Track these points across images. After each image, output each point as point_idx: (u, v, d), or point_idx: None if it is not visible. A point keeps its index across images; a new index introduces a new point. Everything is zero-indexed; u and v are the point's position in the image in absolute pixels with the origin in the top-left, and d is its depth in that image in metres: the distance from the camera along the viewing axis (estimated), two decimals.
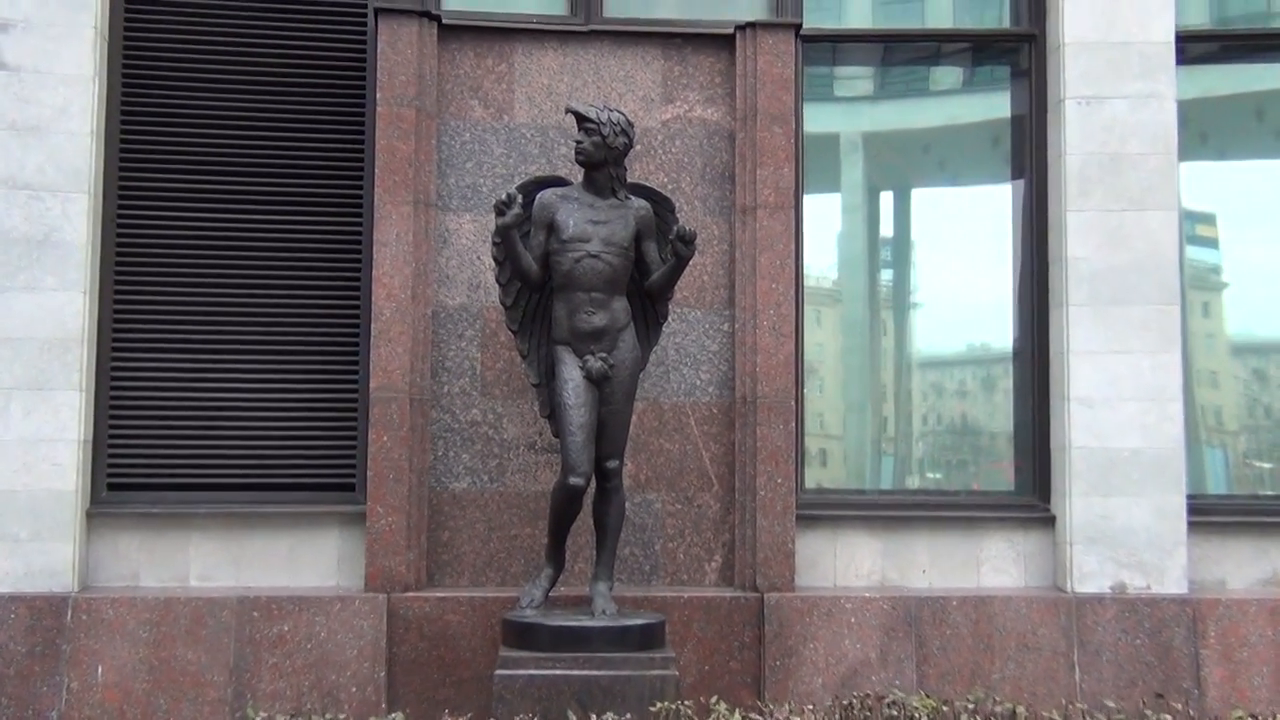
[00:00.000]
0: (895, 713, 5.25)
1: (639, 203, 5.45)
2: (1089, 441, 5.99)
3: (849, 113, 6.84)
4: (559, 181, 5.58)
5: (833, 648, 5.84)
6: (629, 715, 4.81)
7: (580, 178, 5.52)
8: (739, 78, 6.17)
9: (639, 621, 5.21)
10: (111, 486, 5.94)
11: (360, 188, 6.18)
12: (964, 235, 6.72)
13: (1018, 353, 6.51)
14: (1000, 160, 6.69)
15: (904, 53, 6.83)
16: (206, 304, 6.09)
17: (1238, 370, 6.71)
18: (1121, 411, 5.99)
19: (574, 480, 5.18)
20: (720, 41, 6.28)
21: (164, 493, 6.00)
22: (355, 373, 6.12)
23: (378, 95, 5.96)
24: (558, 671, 4.99)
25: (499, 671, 4.99)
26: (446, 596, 5.82)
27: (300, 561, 6.02)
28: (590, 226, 5.30)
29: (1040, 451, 6.29)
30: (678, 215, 5.65)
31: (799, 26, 6.15)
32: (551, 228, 5.34)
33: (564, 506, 5.32)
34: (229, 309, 6.10)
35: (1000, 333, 6.60)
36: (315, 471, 6.10)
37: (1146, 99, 6.08)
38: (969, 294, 6.68)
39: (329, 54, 6.23)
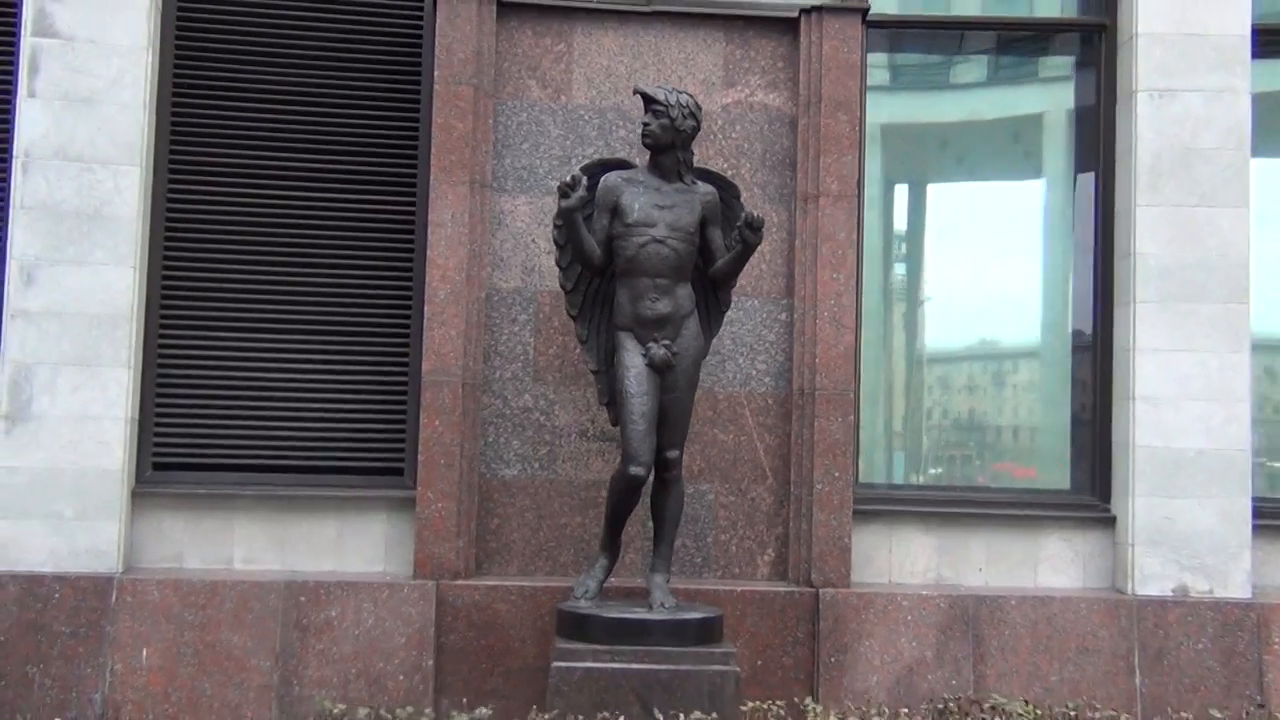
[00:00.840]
0: (994, 718, 5.22)
1: (705, 188, 5.36)
2: (1153, 441, 5.89)
3: (905, 102, 6.77)
4: (622, 164, 5.49)
5: (888, 645, 5.77)
6: (715, 715, 4.76)
7: (645, 161, 5.42)
8: (803, 62, 6.06)
9: (698, 615, 5.13)
10: (156, 466, 5.88)
11: (414, 167, 6.09)
12: (1017, 230, 6.64)
13: (1078, 349, 6.42)
14: (1061, 153, 6.62)
15: (955, 41, 6.69)
16: (255, 282, 6.01)
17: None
18: (1187, 411, 5.89)
19: (635, 470, 5.10)
20: (783, 25, 6.17)
21: (209, 473, 5.92)
22: (406, 355, 6.05)
23: (435, 73, 5.86)
24: (616, 665, 4.92)
25: (555, 664, 4.91)
26: (496, 585, 5.74)
27: (347, 546, 5.94)
28: (656, 211, 5.20)
29: (1101, 450, 6.20)
30: (742, 202, 5.57)
31: (866, 10, 6.04)
32: (616, 211, 5.24)
33: (623, 496, 5.23)
34: (278, 288, 6.02)
35: (1061, 328, 6.53)
36: (363, 455, 6.02)
37: (1220, 93, 5.98)
38: (1022, 288, 6.60)
39: (384, 29, 6.13)
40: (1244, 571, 5.86)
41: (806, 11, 6.07)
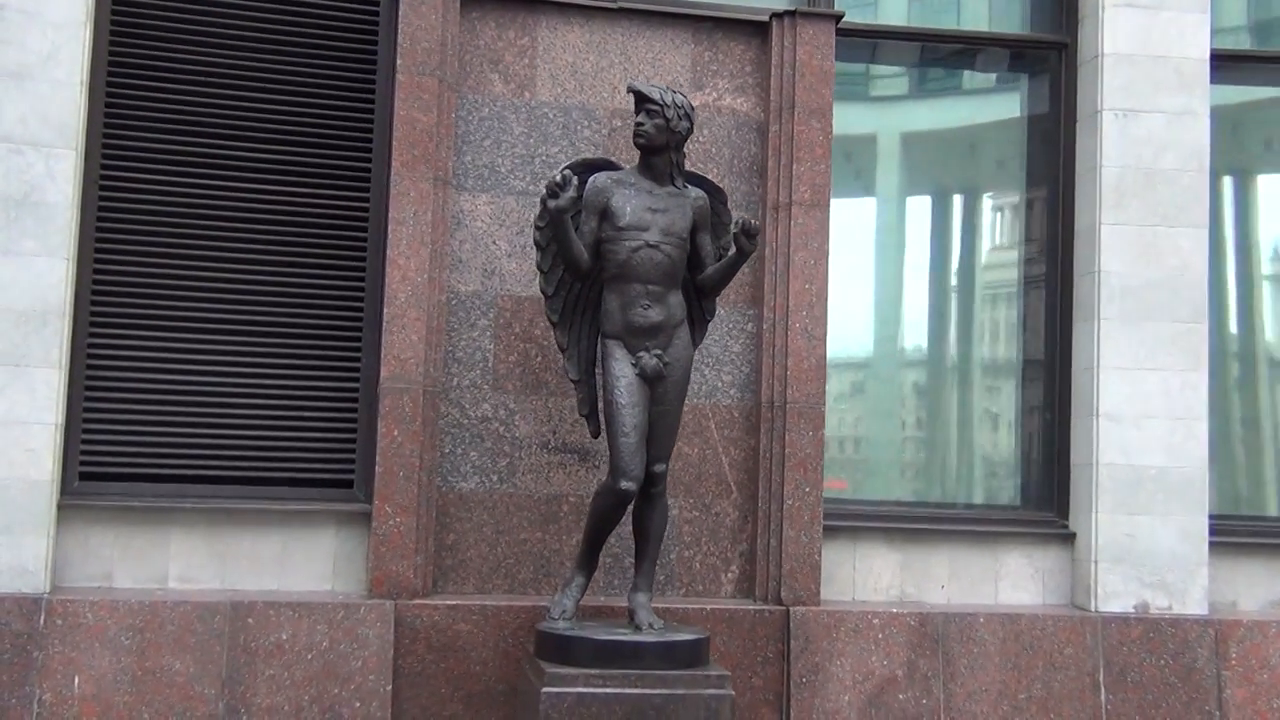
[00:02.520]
0: None
1: (696, 192, 5.21)
2: (1115, 458, 5.98)
3: (871, 112, 6.76)
4: (608, 164, 5.30)
5: (860, 664, 5.71)
6: None
7: (634, 162, 5.25)
8: (774, 68, 5.98)
9: (688, 637, 4.98)
10: (84, 476, 5.44)
11: (369, 160, 5.80)
12: (973, 244, 6.72)
13: (1030, 364, 6.51)
14: (1014, 168, 6.71)
15: (923, 54, 6.75)
16: (195, 279, 5.64)
17: None
18: (1149, 429, 6.00)
19: (625, 485, 4.92)
20: (752, 28, 6.09)
21: (142, 484, 5.51)
22: (358, 360, 5.75)
23: (398, 62, 5.59)
24: (609, 690, 4.72)
25: (546, 689, 4.68)
26: (457, 604, 5.49)
27: (292, 563, 5.61)
28: (649, 214, 5.04)
29: (1060, 467, 6.29)
30: (728, 208, 5.46)
31: (840, 17, 6.00)
32: (605, 214, 5.06)
33: (610, 512, 5.05)
34: (219, 285, 5.66)
35: (1010, 344, 6.61)
36: (311, 466, 5.69)
37: (1182, 115, 6.12)
38: (979, 304, 6.66)
39: (337, 13, 5.82)
40: (1201, 588, 5.99)
41: (778, 16, 6.00)
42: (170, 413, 5.57)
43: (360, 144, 5.82)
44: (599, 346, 5.17)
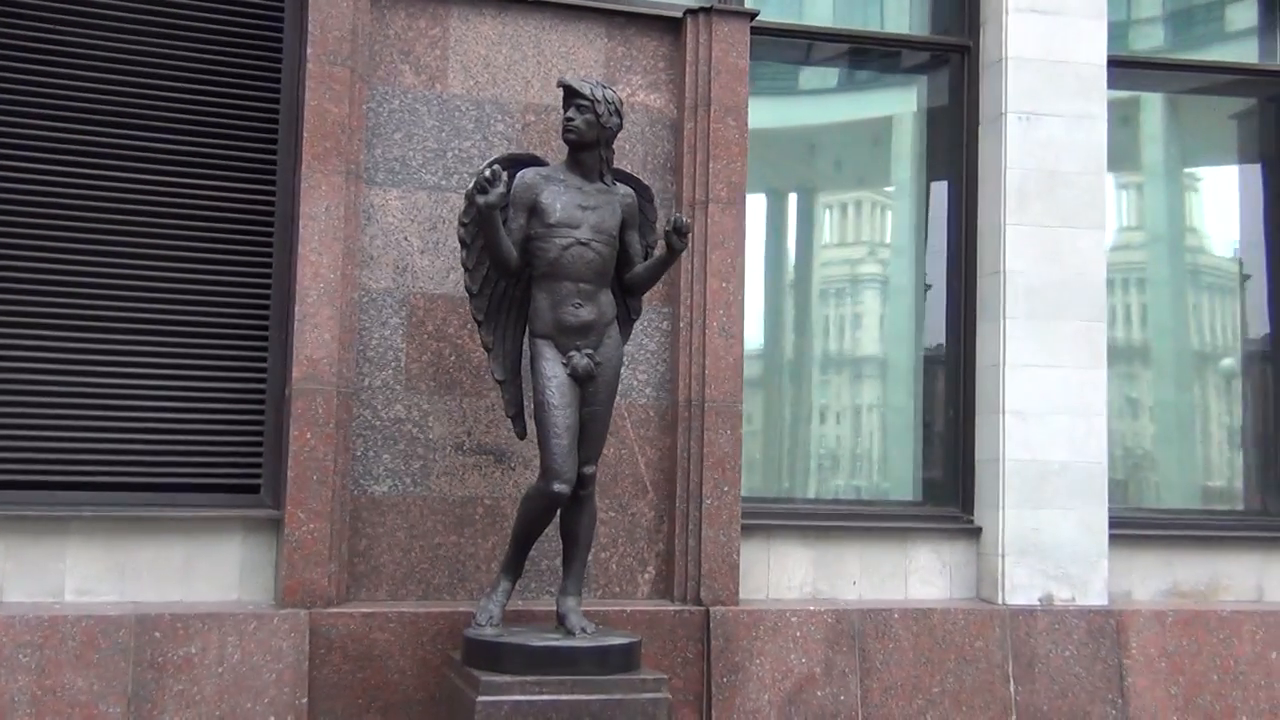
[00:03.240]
0: None
1: (624, 189, 5.15)
2: (1021, 454, 6.14)
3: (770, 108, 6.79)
4: (534, 160, 5.18)
5: (779, 662, 5.73)
6: None
7: (561, 158, 5.15)
8: (689, 65, 5.96)
9: (621, 641, 4.90)
10: None
11: (274, 152, 5.59)
12: (873, 242, 6.82)
13: (932, 361, 6.63)
14: (917, 168, 6.83)
15: (823, 52, 6.83)
16: (87, 275, 5.36)
17: None
18: (1052, 425, 6.17)
19: (558, 487, 4.82)
20: (665, 24, 6.06)
21: (35, 492, 5.22)
22: (264, 360, 5.53)
23: (308, 51, 5.40)
24: (545, 696, 4.62)
25: (481, 698, 4.56)
26: (373, 612, 5.33)
27: (196, 573, 5.37)
28: (579, 212, 4.95)
29: (964, 463, 6.42)
30: (655, 207, 5.42)
31: (754, 15, 6.00)
32: (534, 210, 4.95)
33: (540, 516, 4.96)
34: (112, 282, 5.40)
35: (911, 342, 6.72)
36: (216, 471, 5.47)
37: (1081, 119, 6.31)
38: (876, 303, 6.76)
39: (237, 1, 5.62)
40: (1102, 580, 6.18)
41: (692, 13, 5.98)
42: (64, 416, 5.28)
43: (264, 135, 5.60)
44: (528, 346, 5.07)
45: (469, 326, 5.70)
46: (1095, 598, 6.15)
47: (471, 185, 4.95)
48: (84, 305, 5.33)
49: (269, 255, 5.56)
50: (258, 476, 5.50)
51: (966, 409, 6.42)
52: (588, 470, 5.05)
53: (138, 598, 5.27)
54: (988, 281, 6.33)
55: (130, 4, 5.45)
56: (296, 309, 5.32)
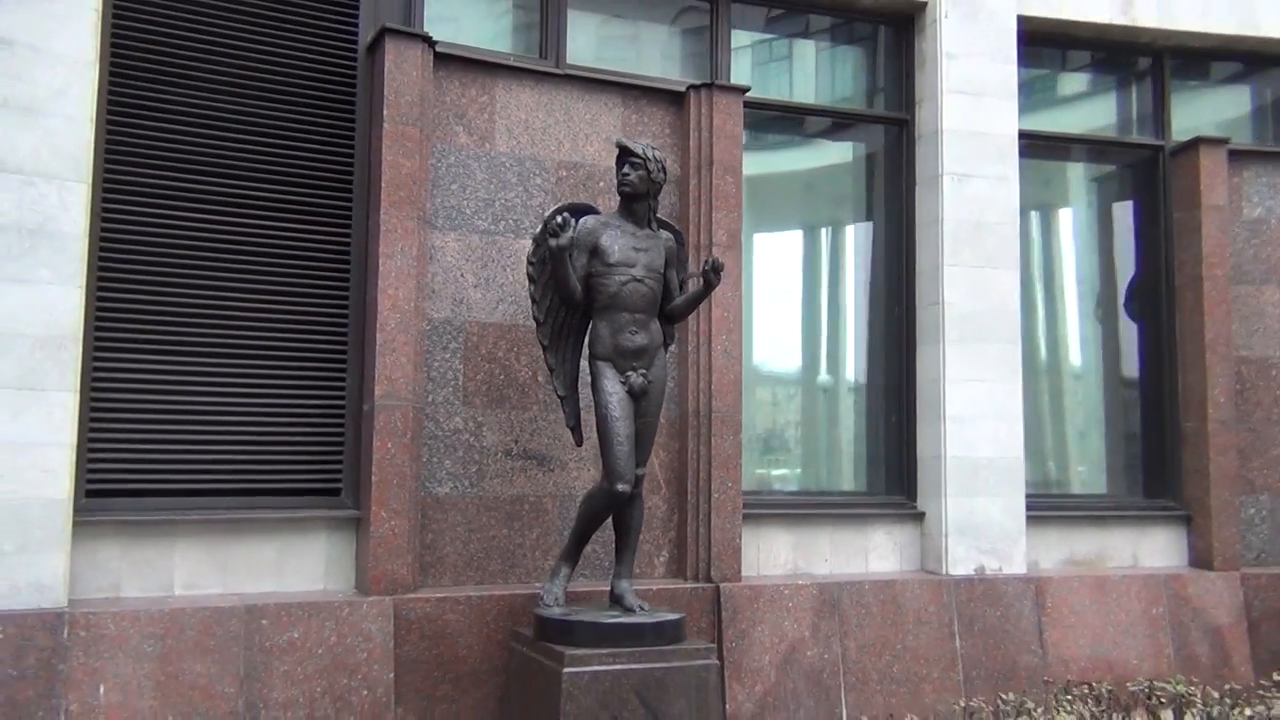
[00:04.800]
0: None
1: (666, 234, 5.03)
2: (959, 451, 6.19)
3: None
4: (588, 208, 5.03)
5: (775, 629, 5.66)
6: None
7: (614, 206, 5.02)
8: (692, 130, 5.87)
9: (673, 617, 4.76)
10: (90, 494, 4.70)
11: (349, 199, 5.30)
12: (833, 279, 6.82)
13: (879, 377, 6.64)
14: (864, 221, 6.85)
15: (790, 121, 6.78)
16: (190, 306, 4.99)
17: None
18: (982, 427, 6.24)
19: (621, 487, 4.67)
20: (671, 97, 5.96)
21: (146, 499, 4.83)
22: (341, 379, 5.24)
23: (385, 113, 5.14)
24: (619, 666, 4.46)
25: (567, 669, 4.37)
26: (445, 596, 5.09)
27: (287, 567, 5.05)
28: (634, 253, 4.82)
29: (908, 460, 6.44)
30: (685, 249, 5.30)
31: (747, 90, 5.95)
32: (595, 251, 4.80)
33: (603, 511, 4.80)
34: (212, 312, 5.03)
35: (863, 365, 6.71)
36: (302, 476, 5.15)
37: (1000, 180, 6.40)
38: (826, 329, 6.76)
39: (319, 65, 5.30)
40: (1022, 553, 6.27)
41: (696, 88, 5.89)
42: (171, 431, 4.91)
43: (340, 184, 5.30)
44: (589, 367, 4.89)
45: (515, 350, 5.51)
46: (1017, 567, 6.24)
47: (540, 230, 4.81)
48: (185, 333, 4.96)
49: (346, 288, 5.27)
50: (339, 481, 5.20)
51: (909, 416, 6.46)
52: (640, 472, 4.90)
53: (239, 590, 4.94)
54: (928, 311, 6.37)
55: (231, 71, 5.11)
56: (378, 336, 5.05)
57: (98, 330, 4.77)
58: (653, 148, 4.91)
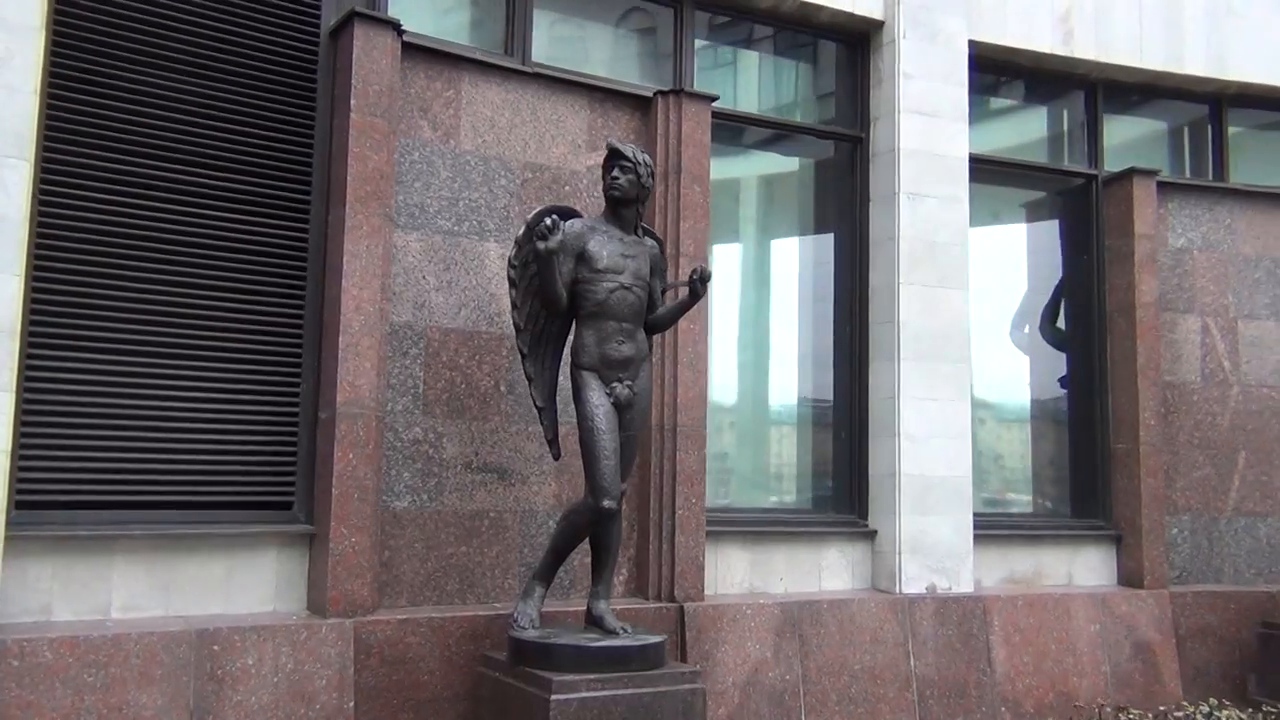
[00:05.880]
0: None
1: (651, 241, 4.86)
2: (912, 470, 6.17)
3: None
4: (572, 212, 4.82)
5: (738, 650, 5.51)
6: None
7: (599, 211, 4.85)
8: (659, 138, 5.71)
9: (656, 639, 4.59)
10: (20, 505, 4.22)
11: (307, 192, 4.96)
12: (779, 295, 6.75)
13: (827, 393, 6.58)
14: (819, 236, 6.80)
15: (748, 131, 6.68)
16: (133, 301, 4.58)
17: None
18: (933, 446, 6.24)
19: (607, 503, 4.46)
20: (637, 101, 5.80)
21: (82, 511, 4.39)
22: (295, 384, 4.88)
23: (352, 103, 4.83)
24: (607, 692, 4.26)
25: (555, 696, 4.14)
26: (406, 618, 4.78)
27: (236, 586, 4.66)
28: (622, 260, 4.63)
29: (858, 478, 6.39)
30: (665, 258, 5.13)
31: (715, 98, 5.83)
32: (582, 257, 4.60)
33: (585, 528, 4.59)
34: (158, 308, 4.62)
35: (812, 380, 6.66)
36: (250, 489, 4.77)
37: (951, 200, 6.45)
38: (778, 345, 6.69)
39: (279, 51, 4.96)
40: (969, 571, 6.29)
41: (663, 94, 5.75)
42: (108, 437, 4.48)
43: (298, 176, 4.96)
44: (571, 377, 4.67)
45: (477, 358, 5.25)
46: (965, 586, 6.26)
47: (523, 232, 4.59)
48: (126, 331, 4.54)
49: (302, 287, 4.92)
50: (291, 493, 4.83)
51: (861, 433, 6.42)
52: (622, 487, 4.71)
53: (182, 612, 4.52)
54: (882, 329, 6.35)
55: (184, 50, 4.72)
56: (340, 339, 4.72)
57: (33, 325, 4.30)
58: (642, 151, 4.74)
